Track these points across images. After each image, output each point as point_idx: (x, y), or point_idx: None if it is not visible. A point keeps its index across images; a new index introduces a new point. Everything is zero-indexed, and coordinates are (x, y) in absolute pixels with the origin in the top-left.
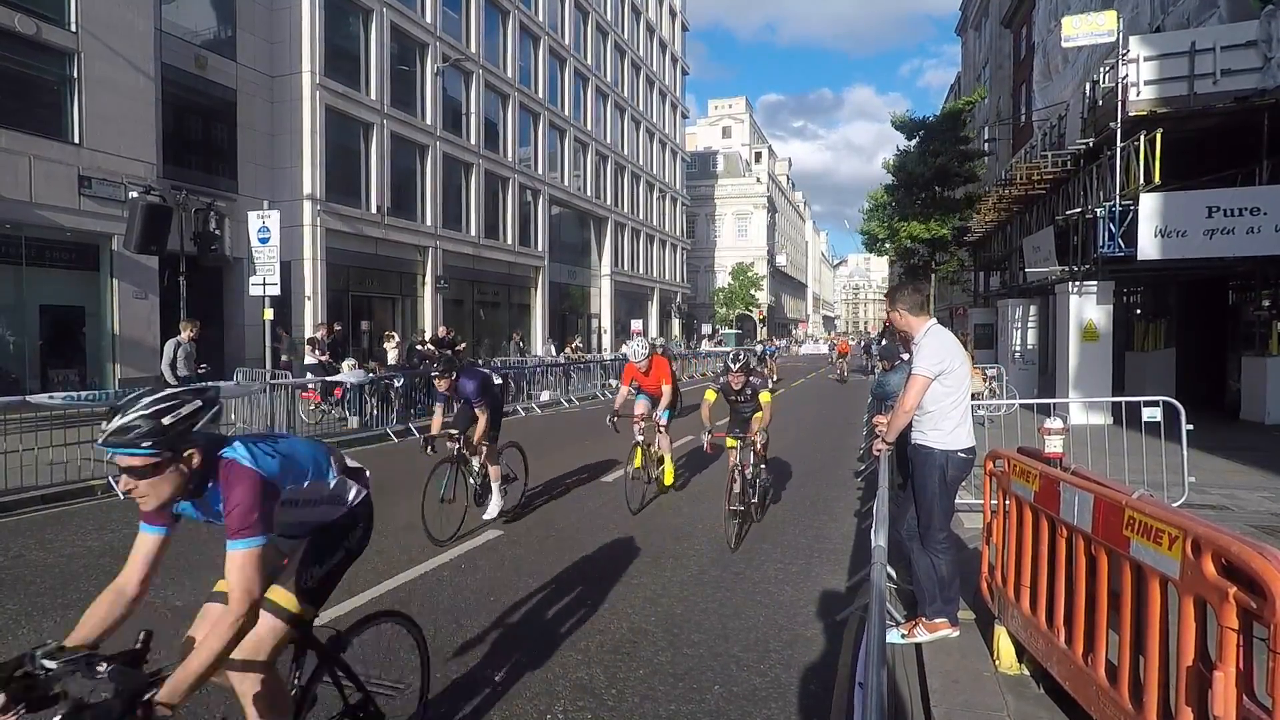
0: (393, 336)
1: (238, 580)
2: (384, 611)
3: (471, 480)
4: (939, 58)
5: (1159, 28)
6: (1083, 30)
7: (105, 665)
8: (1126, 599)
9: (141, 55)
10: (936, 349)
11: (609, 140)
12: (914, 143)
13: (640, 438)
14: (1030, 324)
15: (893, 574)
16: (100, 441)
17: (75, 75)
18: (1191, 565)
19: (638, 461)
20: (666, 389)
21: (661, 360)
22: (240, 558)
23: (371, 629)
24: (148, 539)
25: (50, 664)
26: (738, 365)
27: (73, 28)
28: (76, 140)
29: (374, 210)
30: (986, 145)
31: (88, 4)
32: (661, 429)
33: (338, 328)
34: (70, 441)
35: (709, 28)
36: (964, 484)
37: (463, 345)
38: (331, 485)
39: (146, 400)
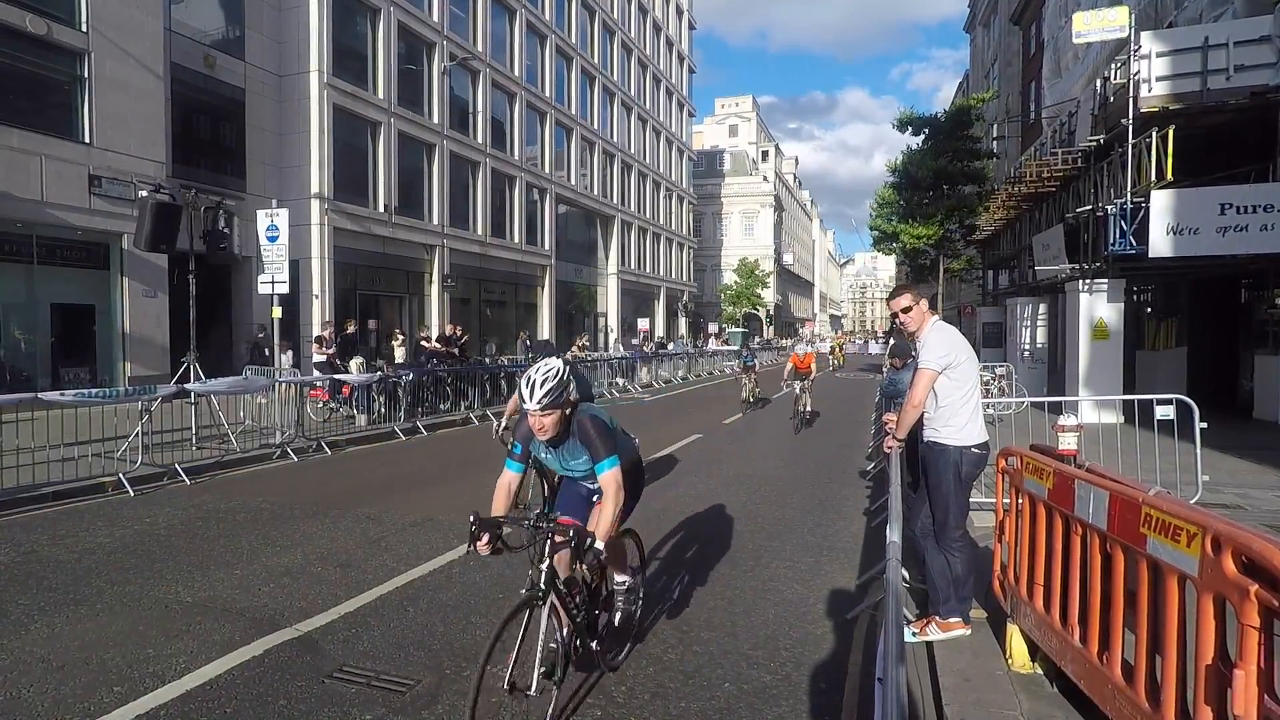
0: (400, 335)
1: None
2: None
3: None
4: (928, 61)
5: (1171, 23)
6: (1094, 26)
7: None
8: (1143, 597)
9: (151, 55)
10: (941, 343)
11: (616, 139)
12: (920, 139)
13: None
14: (1040, 322)
15: (905, 573)
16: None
17: (85, 75)
18: (1211, 563)
19: None
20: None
21: None
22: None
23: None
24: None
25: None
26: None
27: (83, 28)
28: (87, 140)
29: (381, 209)
30: (995, 144)
31: (98, 4)
32: None
33: (351, 328)
34: (82, 439)
35: (702, 33)
36: (975, 482)
37: (465, 339)
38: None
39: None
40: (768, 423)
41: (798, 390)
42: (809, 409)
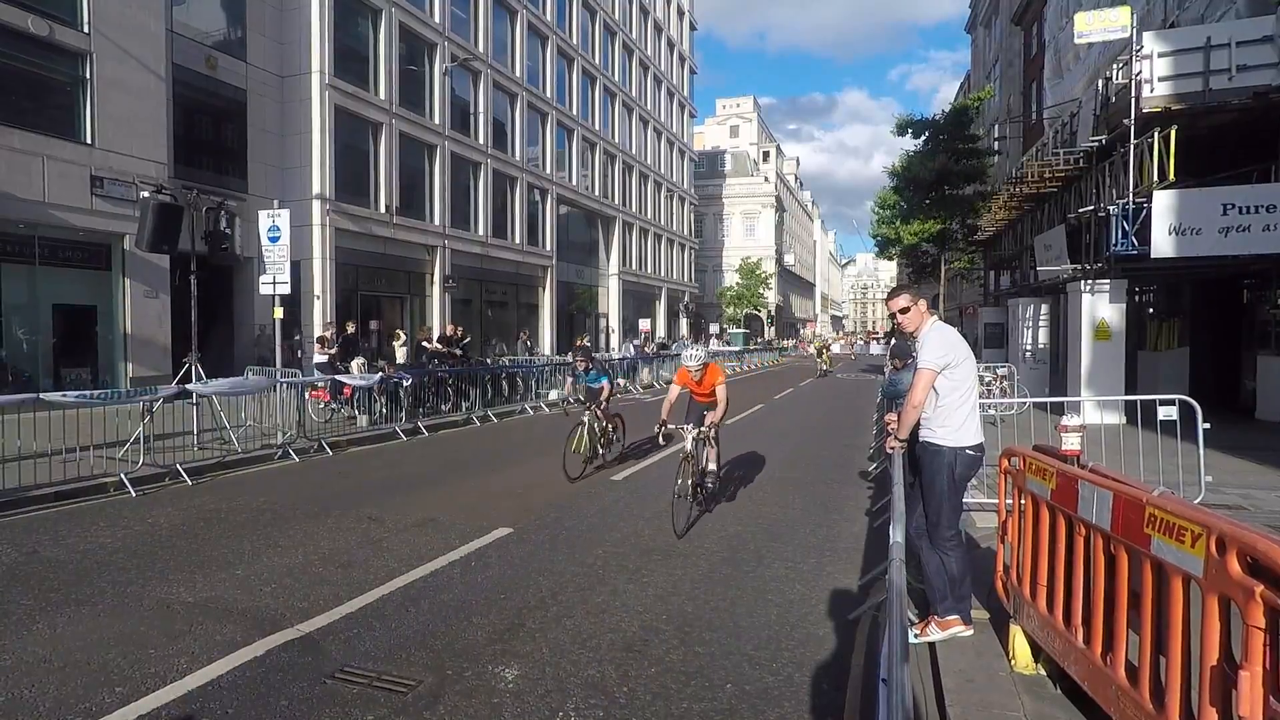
0: (400, 335)
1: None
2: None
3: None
4: (927, 63)
5: (1173, 23)
6: (1096, 26)
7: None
8: (1147, 598)
9: (153, 56)
10: (940, 343)
11: (617, 139)
12: (921, 141)
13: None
14: (1041, 323)
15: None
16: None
17: (87, 76)
18: (1216, 563)
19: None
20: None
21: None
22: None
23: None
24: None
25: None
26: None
27: (85, 29)
28: (89, 140)
29: (383, 210)
30: (996, 144)
31: (100, 5)
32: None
33: (351, 329)
34: (83, 439)
35: (701, 35)
36: (977, 483)
37: (468, 340)
38: None
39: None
40: (764, 429)
41: (689, 441)
42: (712, 475)
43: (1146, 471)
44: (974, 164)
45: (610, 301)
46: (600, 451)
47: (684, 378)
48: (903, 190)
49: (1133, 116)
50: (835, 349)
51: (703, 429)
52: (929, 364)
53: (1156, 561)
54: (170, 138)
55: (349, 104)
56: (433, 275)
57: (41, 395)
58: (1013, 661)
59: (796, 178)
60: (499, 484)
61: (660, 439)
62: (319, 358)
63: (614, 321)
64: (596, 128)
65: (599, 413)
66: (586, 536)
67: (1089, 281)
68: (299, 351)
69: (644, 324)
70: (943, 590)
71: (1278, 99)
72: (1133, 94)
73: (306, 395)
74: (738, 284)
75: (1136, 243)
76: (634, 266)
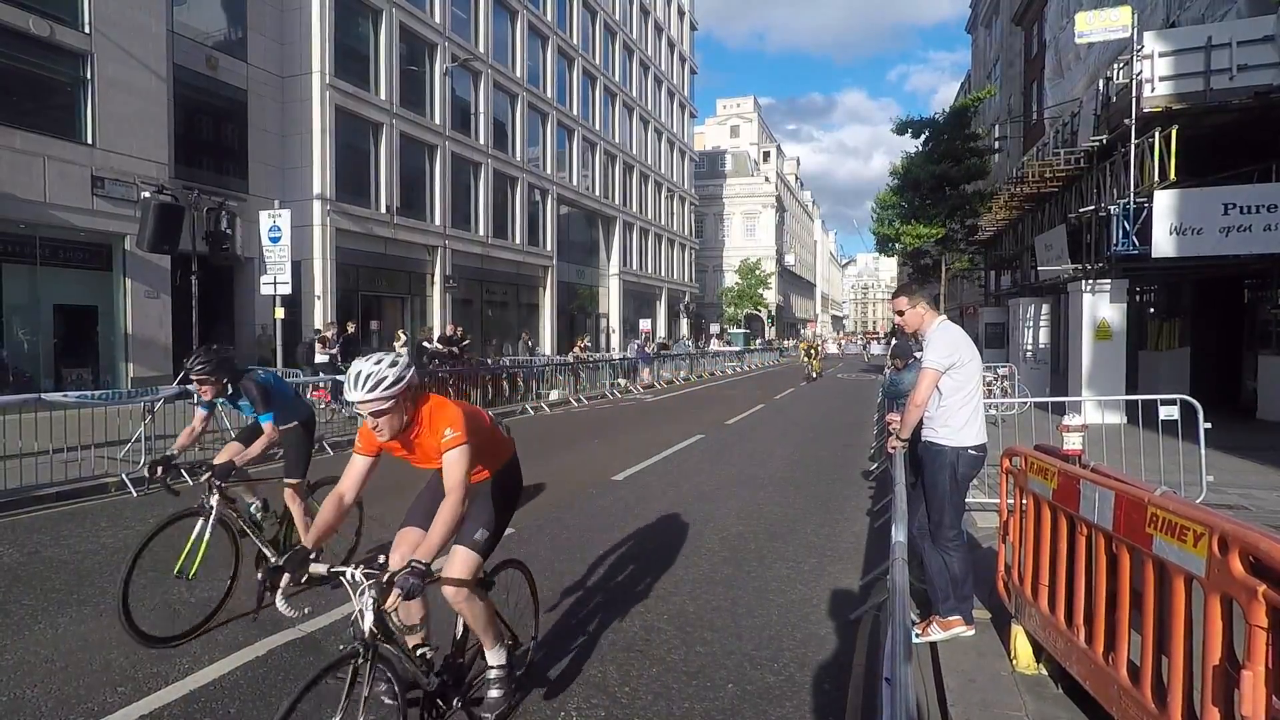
0: (401, 336)
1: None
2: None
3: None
4: (925, 63)
5: (1174, 23)
6: (1096, 26)
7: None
8: (1149, 597)
9: (154, 56)
10: (946, 342)
11: (617, 140)
12: (921, 141)
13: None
14: (1042, 323)
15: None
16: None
17: (88, 76)
18: (1218, 563)
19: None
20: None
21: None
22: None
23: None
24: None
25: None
26: None
27: (86, 29)
28: (90, 141)
29: (383, 210)
30: (997, 143)
31: (100, 5)
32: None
33: (351, 329)
34: (84, 439)
35: (700, 35)
36: (978, 483)
37: (467, 340)
38: None
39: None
40: (765, 428)
41: (364, 611)
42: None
43: (1148, 471)
44: (975, 163)
45: (611, 301)
46: (278, 569)
47: (368, 440)
48: (903, 192)
49: (1133, 116)
50: (832, 348)
51: (410, 569)
52: (933, 363)
53: (1158, 561)
54: (171, 138)
55: (349, 104)
56: (433, 275)
57: (43, 395)
58: (1014, 661)
59: (797, 178)
60: None
61: (280, 606)
62: (320, 357)
63: (614, 321)
64: (597, 128)
65: (229, 493)
66: (588, 536)
67: (1090, 281)
68: (312, 350)
69: (644, 324)
70: (945, 590)
71: (1278, 99)
72: (1133, 94)
73: (307, 395)
74: (738, 284)
75: (1137, 242)
76: (634, 266)
